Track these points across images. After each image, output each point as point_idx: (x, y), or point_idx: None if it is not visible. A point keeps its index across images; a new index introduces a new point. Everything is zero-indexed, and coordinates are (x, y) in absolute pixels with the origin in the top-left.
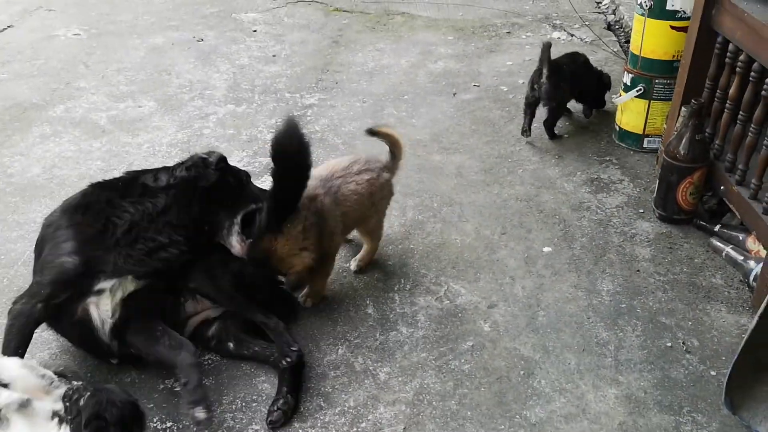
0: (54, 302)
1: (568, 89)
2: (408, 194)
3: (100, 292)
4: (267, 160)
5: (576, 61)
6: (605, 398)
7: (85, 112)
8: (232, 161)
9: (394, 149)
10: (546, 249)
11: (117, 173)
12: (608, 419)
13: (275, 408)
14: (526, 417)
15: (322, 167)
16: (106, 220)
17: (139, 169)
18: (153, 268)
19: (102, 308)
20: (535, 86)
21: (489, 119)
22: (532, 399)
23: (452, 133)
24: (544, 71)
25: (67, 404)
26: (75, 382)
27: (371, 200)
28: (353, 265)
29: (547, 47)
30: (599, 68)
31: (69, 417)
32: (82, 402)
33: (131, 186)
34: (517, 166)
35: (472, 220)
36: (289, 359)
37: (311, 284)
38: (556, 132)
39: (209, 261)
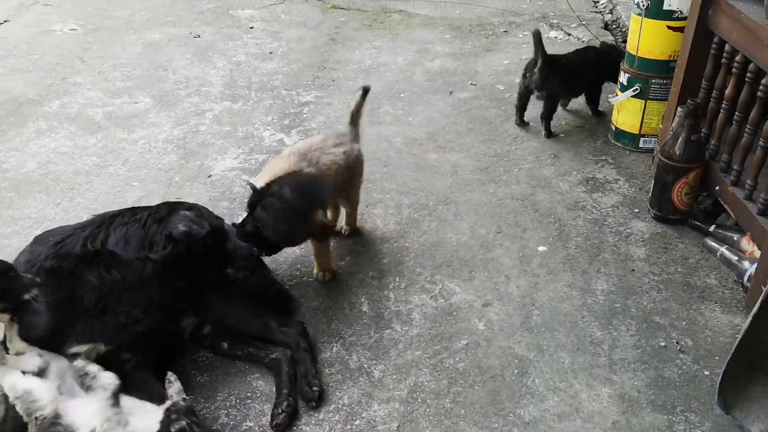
0: None
1: (561, 82)
2: (404, 192)
3: (75, 355)
4: (263, 158)
5: (584, 57)
6: (599, 397)
7: (80, 107)
8: (228, 159)
9: (355, 115)
10: (541, 248)
11: (113, 169)
12: (601, 418)
13: (279, 411)
14: (520, 415)
15: (297, 145)
16: (72, 290)
17: (108, 212)
18: (126, 338)
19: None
20: (527, 75)
21: (485, 118)
22: (525, 398)
23: (448, 131)
24: (538, 61)
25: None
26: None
27: (349, 171)
28: (344, 228)
29: (537, 35)
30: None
31: None
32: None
33: (96, 256)
34: (512, 166)
35: (468, 219)
36: (313, 402)
37: (318, 262)
38: (552, 131)
39: (219, 288)
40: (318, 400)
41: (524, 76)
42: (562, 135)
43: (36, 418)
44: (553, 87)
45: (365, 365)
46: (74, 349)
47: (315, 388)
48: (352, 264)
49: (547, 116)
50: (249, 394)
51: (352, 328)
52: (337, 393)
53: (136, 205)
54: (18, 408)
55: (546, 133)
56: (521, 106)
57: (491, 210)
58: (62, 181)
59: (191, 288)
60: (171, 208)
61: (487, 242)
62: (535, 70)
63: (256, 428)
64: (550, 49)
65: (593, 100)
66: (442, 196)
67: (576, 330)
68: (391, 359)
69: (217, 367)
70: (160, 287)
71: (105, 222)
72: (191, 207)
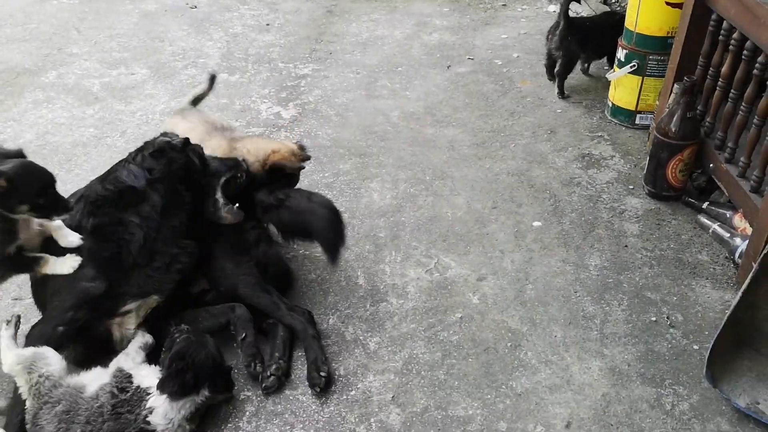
0: (76, 326)
1: (581, 44)
2: (400, 167)
3: (126, 313)
4: (260, 131)
5: (608, 21)
6: (589, 370)
7: (77, 78)
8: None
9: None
10: (536, 223)
11: (110, 141)
12: (592, 390)
13: (268, 374)
14: (512, 387)
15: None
16: (119, 240)
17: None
18: (173, 281)
19: (125, 327)
20: (549, 36)
21: (482, 93)
22: (518, 370)
23: (445, 106)
24: (561, 23)
25: (168, 339)
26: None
27: None
28: None
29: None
30: None
31: (163, 349)
32: (178, 340)
33: (123, 195)
34: (509, 141)
35: (464, 194)
36: (318, 388)
37: None
38: (566, 92)
39: (228, 256)
40: (324, 387)
41: (548, 38)
42: (559, 111)
43: (38, 377)
44: (570, 48)
45: (361, 337)
46: (127, 306)
47: (323, 374)
48: (348, 237)
49: (561, 74)
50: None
51: (349, 301)
52: (334, 364)
53: None
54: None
55: (558, 91)
56: (550, 65)
57: (487, 185)
58: (60, 152)
59: (193, 200)
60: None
61: (483, 217)
62: (557, 32)
63: (254, 398)
64: (546, 24)
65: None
66: (438, 170)
67: (569, 304)
68: (386, 332)
69: (217, 336)
70: (178, 212)
71: (105, 172)
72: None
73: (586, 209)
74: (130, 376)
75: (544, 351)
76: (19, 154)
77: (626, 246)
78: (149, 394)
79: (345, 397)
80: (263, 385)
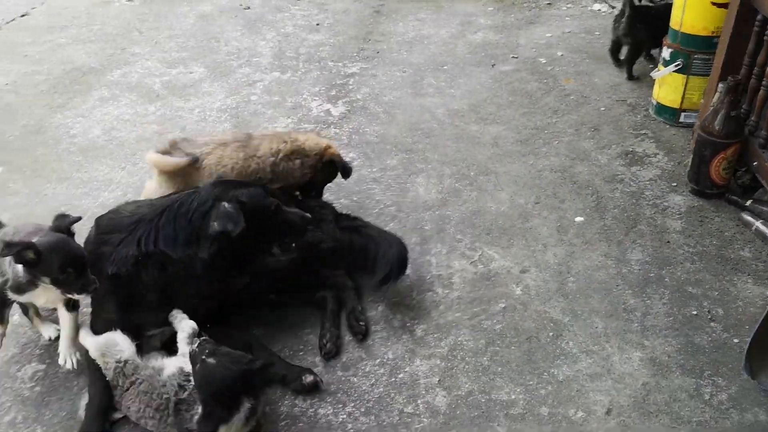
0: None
1: (647, 31)
2: (445, 162)
3: (151, 336)
4: (311, 127)
5: (668, 10)
6: (630, 360)
7: (140, 77)
8: (278, 128)
9: None
10: (578, 219)
11: (171, 136)
12: (632, 379)
13: (325, 342)
14: (554, 374)
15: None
16: (134, 289)
17: (162, 199)
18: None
19: None
20: (615, 24)
21: (526, 91)
22: (559, 358)
23: (490, 103)
24: (626, 10)
25: (191, 356)
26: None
27: None
28: None
29: None
30: None
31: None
32: (198, 368)
33: (149, 257)
34: (552, 138)
35: (507, 189)
36: (360, 336)
37: None
38: (634, 74)
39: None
40: (365, 334)
41: (614, 26)
42: (602, 109)
43: (117, 362)
44: (637, 35)
45: (408, 324)
46: (149, 333)
47: (362, 323)
48: (396, 230)
49: (629, 60)
50: (301, 347)
51: (396, 290)
52: (382, 349)
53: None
54: (96, 356)
55: (627, 75)
56: (614, 51)
57: (530, 181)
58: (125, 146)
59: (242, 264)
60: (216, 197)
61: (526, 212)
62: (622, 19)
63: (309, 377)
64: (592, 23)
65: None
66: (482, 166)
67: (610, 297)
68: (432, 319)
69: (271, 323)
70: (209, 279)
71: (155, 218)
72: (234, 198)
73: (628, 205)
74: (189, 375)
75: (585, 341)
76: (67, 229)
77: (668, 242)
78: None
79: (393, 379)
80: (323, 352)
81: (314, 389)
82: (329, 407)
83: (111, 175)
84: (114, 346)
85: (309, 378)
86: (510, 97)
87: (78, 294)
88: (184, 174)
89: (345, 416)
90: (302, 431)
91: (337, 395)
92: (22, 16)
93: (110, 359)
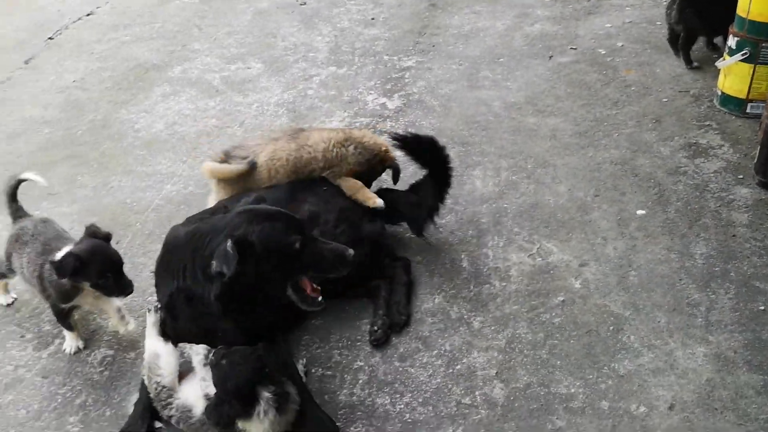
0: None
1: (699, 17)
2: (502, 155)
3: None
4: (367, 121)
5: None
6: (694, 356)
7: (200, 72)
8: (334, 122)
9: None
10: (639, 212)
11: (231, 131)
12: (696, 375)
13: (375, 328)
14: (614, 369)
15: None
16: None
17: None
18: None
19: None
20: (668, 12)
21: (585, 82)
22: (620, 353)
23: (547, 96)
24: None
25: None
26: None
27: None
28: None
29: None
30: None
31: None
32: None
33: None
34: (612, 130)
35: (566, 182)
36: (398, 327)
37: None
38: (693, 62)
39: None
40: (403, 326)
41: (667, 13)
42: (665, 100)
43: (156, 384)
44: (688, 21)
45: (465, 316)
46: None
47: (402, 316)
48: (452, 222)
49: (683, 47)
50: (359, 337)
51: (453, 282)
52: (440, 340)
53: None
54: (144, 366)
55: (686, 63)
56: (672, 39)
57: (589, 173)
58: (187, 141)
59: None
60: (231, 230)
61: (585, 205)
62: (674, 6)
63: (366, 368)
64: (652, 12)
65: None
66: (540, 159)
67: (673, 291)
68: (489, 312)
69: (329, 312)
70: (228, 318)
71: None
72: (240, 236)
73: (692, 198)
74: None
75: (647, 335)
76: (106, 237)
77: (734, 235)
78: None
79: (451, 370)
80: (372, 338)
81: None
82: (387, 397)
83: (173, 168)
84: (157, 368)
85: None
86: (568, 88)
87: (117, 296)
88: (242, 179)
89: (402, 406)
90: (360, 420)
91: (395, 385)
92: (88, 15)
93: (153, 377)
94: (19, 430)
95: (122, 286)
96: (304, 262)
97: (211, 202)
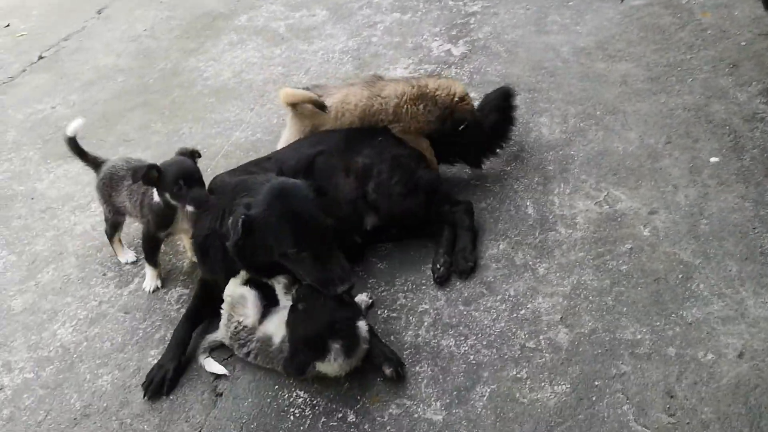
0: None
1: None
2: (570, 102)
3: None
4: (432, 68)
5: None
6: (765, 305)
7: (265, 21)
8: (399, 69)
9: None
10: (713, 159)
11: (296, 78)
12: (767, 324)
13: (438, 266)
14: (682, 316)
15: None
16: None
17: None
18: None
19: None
20: None
21: (659, 26)
22: (689, 301)
23: (618, 40)
24: None
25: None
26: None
27: None
28: None
29: None
30: None
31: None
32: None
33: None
34: (686, 75)
35: (636, 129)
36: (464, 275)
37: None
38: None
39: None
40: (469, 272)
41: None
42: (743, 43)
43: (237, 323)
44: None
45: (530, 263)
46: None
47: (469, 263)
48: (518, 169)
49: None
50: (423, 281)
51: (518, 229)
52: (504, 285)
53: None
54: (224, 306)
55: (765, 6)
56: None
57: (661, 120)
58: (254, 88)
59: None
60: (247, 195)
61: (656, 152)
62: None
63: (431, 310)
64: None
65: None
66: (609, 105)
67: (746, 240)
68: (555, 258)
69: (395, 257)
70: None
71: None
72: (248, 218)
73: None
74: None
75: (718, 284)
76: (192, 153)
77: None
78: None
79: (515, 315)
80: (435, 276)
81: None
82: (451, 339)
83: (241, 115)
84: (243, 308)
85: (388, 370)
86: (641, 32)
87: (190, 206)
88: (312, 116)
89: (467, 348)
90: (425, 360)
91: (459, 328)
92: None
93: (235, 317)
94: (104, 360)
95: (194, 196)
96: (294, 265)
97: (283, 139)
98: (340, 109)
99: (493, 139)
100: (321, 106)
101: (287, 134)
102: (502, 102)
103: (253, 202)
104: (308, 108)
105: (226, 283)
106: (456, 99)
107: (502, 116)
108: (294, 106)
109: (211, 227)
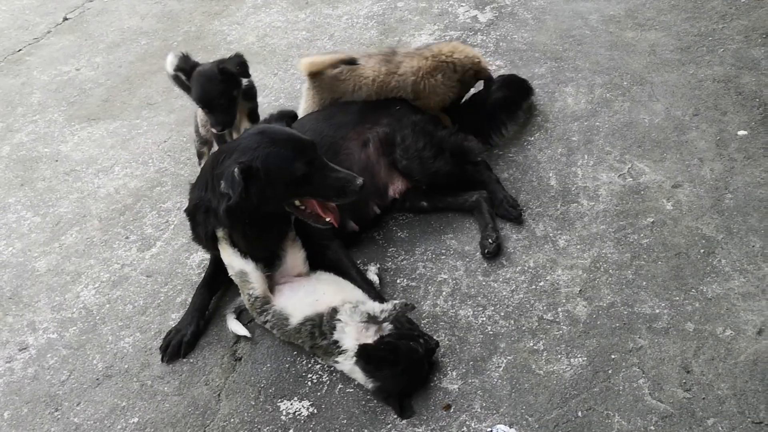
0: None
1: None
2: (596, 71)
3: None
4: (457, 34)
5: None
6: None
7: None
8: (424, 35)
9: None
10: (741, 132)
11: (320, 43)
12: None
13: (490, 242)
14: (703, 291)
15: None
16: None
17: None
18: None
19: None
20: None
21: None
22: (710, 276)
23: (648, 8)
24: None
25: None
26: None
27: None
28: None
29: None
30: None
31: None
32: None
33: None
34: (717, 45)
35: (663, 100)
36: (518, 221)
37: None
38: None
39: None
40: (519, 217)
41: None
42: None
43: (249, 295)
44: None
45: (551, 234)
46: None
47: (518, 209)
48: (541, 140)
49: None
50: (443, 251)
51: (539, 200)
52: (524, 257)
53: None
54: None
55: None
56: None
57: (689, 91)
58: (277, 53)
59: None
60: (240, 154)
61: (682, 124)
62: None
63: (450, 280)
64: None
65: None
66: (637, 76)
67: None
68: (575, 231)
69: (415, 226)
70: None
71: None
72: (245, 164)
73: None
74: (334, 327)
75: (740, 259)
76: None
77: None
78: (341, 352)
79: (534, 287)
80: (486, 251)
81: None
82: (469, 309)
83: (265, 80)
84: (248, 282)
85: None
86: (672, 0)
87: (214, 128)
88: (331, 88)
89: (485, 318)
90: (443, 329)
91: (477, 299)
92: None
93: (245, 290)
94: (126, 323)
95: (217, 121)
96: (307, 188)
97: (300, 110)
98: (356, 82)
99: (499, 116)
100: (351, 62)
101: (304, 106)
102: (516, 86)
103: (239, 155)
104: (328, 78)
105: (213, 251)
106: (476, 61)
107: (511, 96)
108: (314, 76)
109: (200, 196)
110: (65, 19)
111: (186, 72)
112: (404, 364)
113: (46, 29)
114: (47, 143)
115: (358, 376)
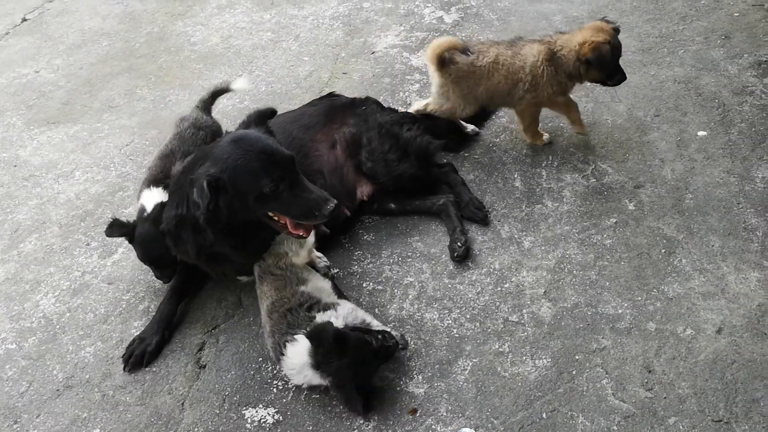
0: None
1: None
2: None
3: None
4: (423, 35)
5: None
6: (746, 281)
7: None
8: (390, 36)
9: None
10: (701, 133)
11: (285, 44)
12: (747, 300)
13: (458, 245)
14: (664, 291)
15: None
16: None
17: None
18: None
19: None
20: None
21: None
22: (671, 276)
23: (611, 9)
24: None
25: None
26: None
27: None
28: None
29: None
30: None
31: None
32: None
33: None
34: (678, 47)
35: (625, 101)
36: (484, 222)
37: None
38: None
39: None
40: (486, 219)
41: None
42: (736, 14)
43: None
44: None
45: (516, 236)
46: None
47: (484, 210)
48: (506, 141)
49: None
50: (410, 254)
51: (505, 201)
52: (489, 258)
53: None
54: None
55: None
56: None
57: (651, 93)
58: (242, 54)
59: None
60: (210, 165)
61: (644, 125)
62: None
63: (416, 283)
64: None
65: None
66: None
67: (730, 215)
68: (540, 232)
69: (381, 229)
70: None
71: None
72: (213, 174)
73: (757, 120)
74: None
75: (700, 259)
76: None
77: None
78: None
79: (499, 288)
80: (455, 255)
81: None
82: (435, 312)
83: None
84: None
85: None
86: (634, 2)
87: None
88: (468, 77)
89: (450, 321)
90: (409, 333)
91: (443, 301)
92: None
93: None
94: (87, 332)
95: (163, 274)
96: (274, 204)
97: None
98: (491, 68)
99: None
100: (464, 50)
101: (447, 106)
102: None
103: (210, 164)
104: (465, 66)
105: (207, 267)
106: (577, 47)
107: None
108: (442, 68)
109: (178, 213)
110: (24, 20)
111: (127, 234)
112: (352, 355)
113: (4, 30)
114: (5, 148)
115: (308, 371)
